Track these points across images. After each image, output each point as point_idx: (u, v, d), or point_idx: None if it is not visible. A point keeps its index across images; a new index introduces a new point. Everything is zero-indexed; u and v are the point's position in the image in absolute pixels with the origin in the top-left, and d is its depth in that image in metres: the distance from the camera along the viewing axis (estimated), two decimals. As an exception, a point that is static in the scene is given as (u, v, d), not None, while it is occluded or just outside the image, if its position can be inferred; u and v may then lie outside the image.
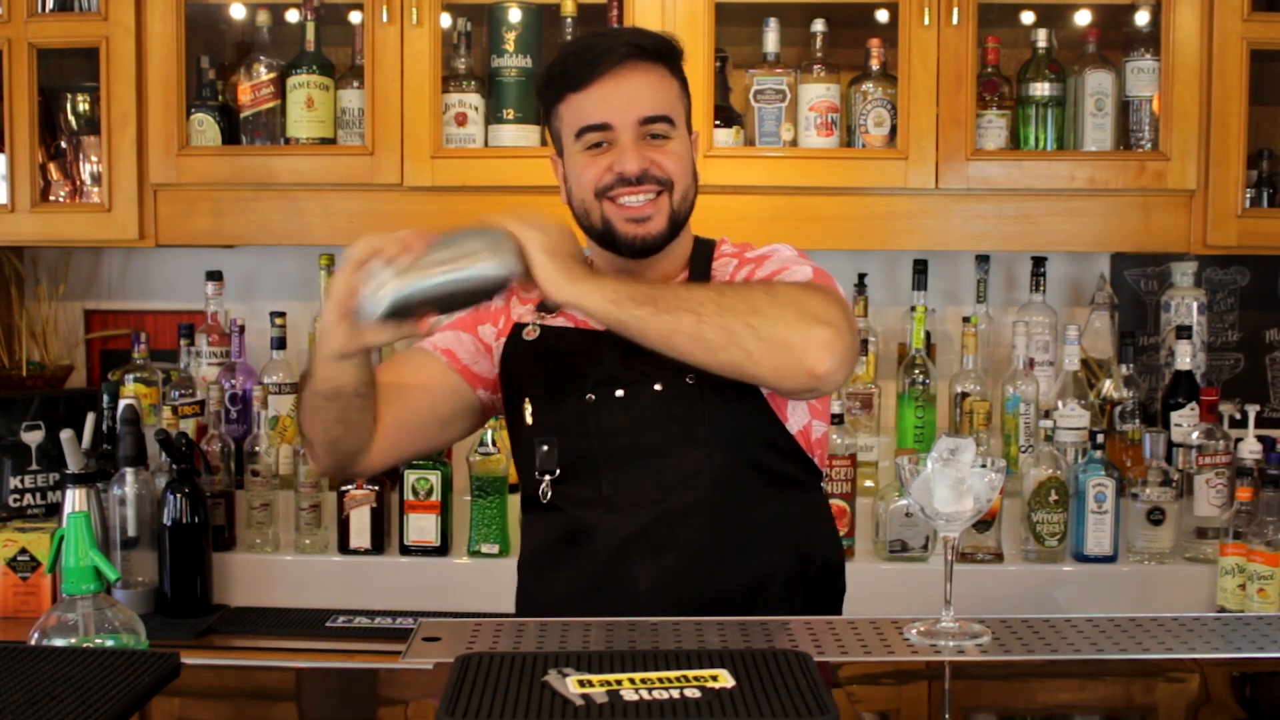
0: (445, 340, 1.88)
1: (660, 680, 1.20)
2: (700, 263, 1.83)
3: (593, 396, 1.75)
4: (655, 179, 1.72)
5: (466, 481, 2.62)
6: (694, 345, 1.57)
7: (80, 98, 2.77)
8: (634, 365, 1.73)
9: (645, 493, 1.72)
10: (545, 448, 1.76)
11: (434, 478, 2.59)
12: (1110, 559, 2.55)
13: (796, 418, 1.78)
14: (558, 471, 1.76)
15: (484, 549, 2.59)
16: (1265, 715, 1.35)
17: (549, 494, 1.77)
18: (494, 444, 2.59)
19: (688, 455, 1.73)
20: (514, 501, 2.56)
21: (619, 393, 1.74)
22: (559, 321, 1.83)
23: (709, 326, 1.56)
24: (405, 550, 2.61)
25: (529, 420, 1.80)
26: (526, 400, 1.80)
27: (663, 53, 1.76)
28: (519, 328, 1.85)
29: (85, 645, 1.39)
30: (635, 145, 1.72)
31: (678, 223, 1.76)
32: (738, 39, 2.75)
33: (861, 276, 2.82)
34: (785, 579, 1.75)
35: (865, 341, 2.73)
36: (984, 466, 1.45)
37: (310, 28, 2.65)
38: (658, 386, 1.73)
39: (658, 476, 1.72)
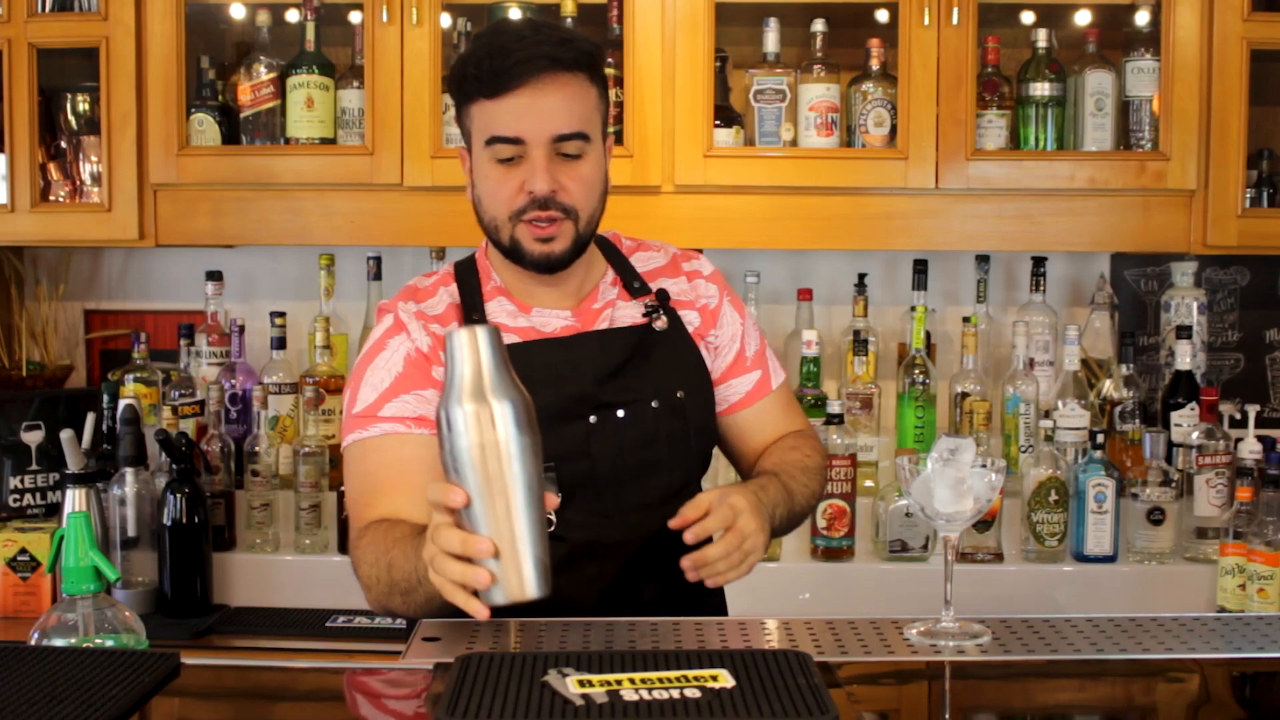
0: (409, 407, 1.71)
1: (660, 680, 1.20)
2: (618, 262, 1.86)
3: (594, 419, 1.74)
4: (561, 205, 1.70)
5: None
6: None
7: (80, 98, 2.77)
8: (622, 385, 1.75)
9: (643, 510, 1.73)
10: (547, 475, 1.73)
11: (434, 478, 2.59)
12: (1110, 559, 2.55)
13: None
14: (559, 495, 1.71)
15: (484, 549, 2.59)
16: (1265, 715, 1.35)
17: (552, 521, 1.71)
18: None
19: (678, 467, 1.78)
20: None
21: (620, 413, 1.74)
22: (511, 339, 1.75)
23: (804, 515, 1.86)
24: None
25: None
26: None
27: (582, 62, 1.70)
28: None
29: (85, 645, 1.39)
30: (547, 164, 1.68)
31: (581, 245, 1.75)
32: (738, 39, 2.75)
33: (861, 276, 2.82)
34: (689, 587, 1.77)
35: (865, 341, 2.73)
36: (984, 466, 1.45)
37: (310, 28, 2.65)
38: (655, 404, 1.76)
39: (653, 492, 1.74)
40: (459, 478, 1.32)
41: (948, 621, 1.47)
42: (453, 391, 1.33)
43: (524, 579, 1.32)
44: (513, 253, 1.74)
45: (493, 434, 1.31)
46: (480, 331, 1.33)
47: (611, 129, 1.83)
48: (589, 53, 1.72)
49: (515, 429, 1.32)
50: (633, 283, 1.83)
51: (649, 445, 1.75)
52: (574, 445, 1.72)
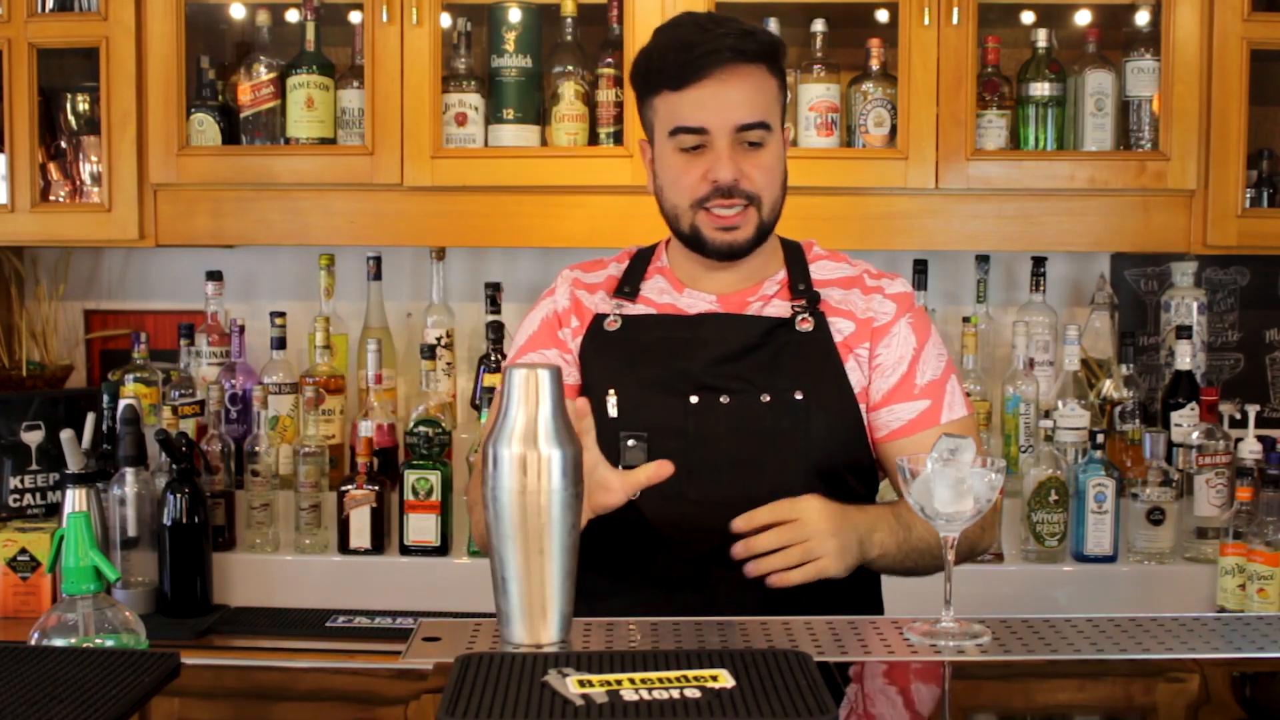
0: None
1: (660, 680, 1.20)
2: (797, 265, 1.85)
3: (696, 399, 1.73)
4: (745, 193, 1.73)
5: (466, 482, 2.62)
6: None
7: (80, 98, 2.77)
8: (735, 372, 1.74)
9: (734, 504, 1.66)
10: (632, 443, 1.73)
11: (434, 478, 2.59)
12: (1110, 559, 2.55)
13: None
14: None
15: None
16: (1265, 715, 1.35)
17: (637, 492, 1.74)
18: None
19: (784, 470, 1.72)
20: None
21: (724, 399, 1.74)
22: (639, 309, 1.83)
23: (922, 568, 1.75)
24: (405, 550, 2.61)
25: (612, 413, 1.76)
26: (612, 391, 1.77)
27: (765, 54, 1.74)
28: (600, 318, 1.83)
29: (85, 645, 1.39)
30: (730, 153, 1.72)
31: (764, 232, 1.78)
32: (738, 39, 2.75)
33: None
34: (844, 597, 1.73)
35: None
36: (984, 466, 1.45)
37: (310, 28, 2.65)
38: (766, 398, 1.74)
39: (749, 489, 1.68)
40: (495, 516, 1.34)
41: (947, 621, 1.47)
42: (504, 430, 1.34)
43: (546, 625, 1.36)
44: (693, 241, 1.77)
45: (537, 482, 1.33)
46: (542, 374, 1.34)
47: (786, 124, 1.84)
48: (771, 44, 1.76)
49: (560, 479, 1.33)
50: (799, 284, 1.82)
51: (751, 438, 1.72)
52: (671, 420, 1.73)
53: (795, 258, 1.87)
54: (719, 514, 1.65)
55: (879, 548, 1.66)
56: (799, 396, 1.73)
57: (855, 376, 1.79)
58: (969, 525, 1.49)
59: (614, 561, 1.72)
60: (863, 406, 1.80)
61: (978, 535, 1.77)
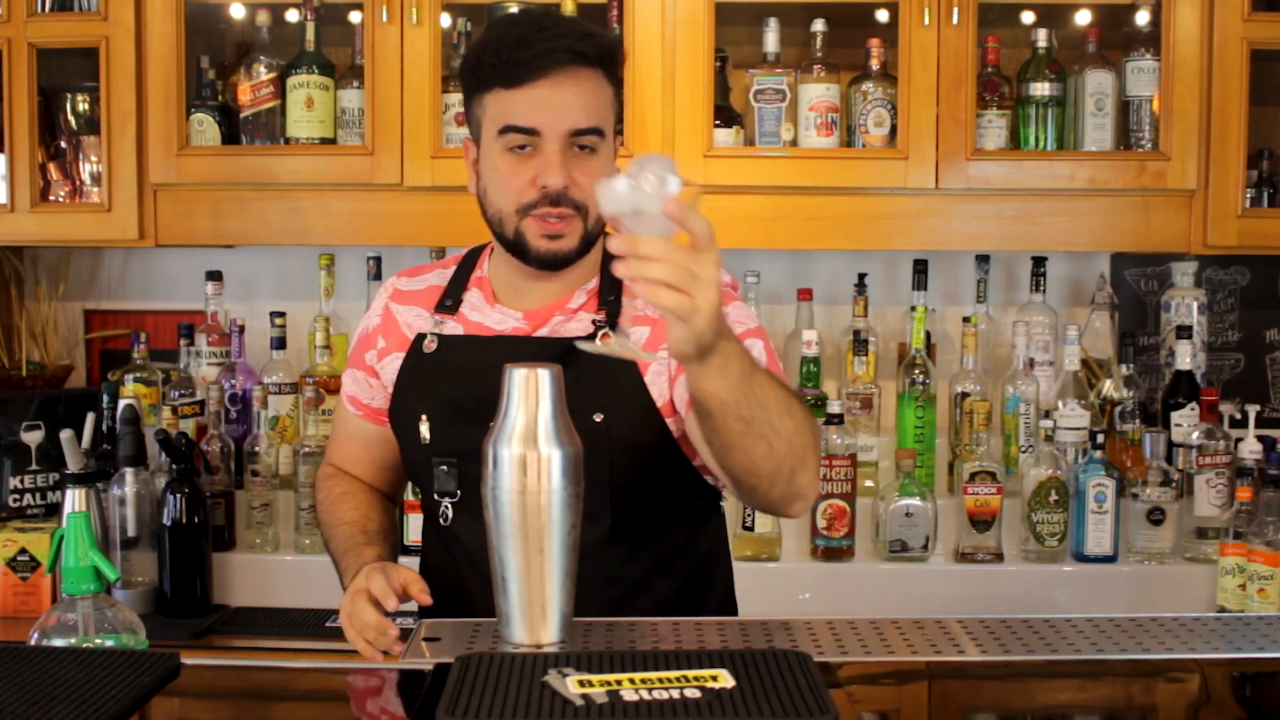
0: (348, 385, 1.90)
1: (660, 680, 1.20)
2: (608, 270, 1.66)
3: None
4: (573, 201, 1.66)
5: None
6: (743, 460, 1.47)
7: (80, 98, 2.77)
8: None
9: None
10: (444, 468, 1.72)
11: (434, 478, 2.59)
12: (1110, 559, 2.55)
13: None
14: (458, 494, 1.73)
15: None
16: (1265, 715, 1.35)
17: (450, 517, 1.74)
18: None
19: (590, 494, 1.58)
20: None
21: None
22: (456, 329, 1.78)
23: (768, 460, 1.47)
24: (405, 550, 2.61)
25: (426, 438, 1.75)
26: (423, 417, 1.74)
27: (604, 58, 1.68)
28: (420, 339, 1.79)
29: (85, 645, 1.39)
30: (561, 158, 1.65)
31: (589, 243, 1.71)
32: (738, 39, 2.75)
33: (861, 276, 2.82)
34: (684, 611, 1.72)
35: (865, 342, 2.73)
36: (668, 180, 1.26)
37: (310, 28, 2.64)
38: None
39: None
40: (495, 516, 1.34)
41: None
42: (504, 430, 1.33)
43: (546, 625, 1.36)
44: (516, 247, 1.70)
45: (537, 482, 1.32)
46: (541, 374, 1.33)
47: (618, 132, 1.79)
48: (610, 49, 1.70)
49: (560, 479, 1.33)
50: (608, 295, 1.74)
51: None
52: (476, 447, 1.55)
53: (610, 261, 1.71)
54: None
55: (736, 359, 1.39)
56: (598, 419, 1.67)
57: (660, 384, 1.70)
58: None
59: (444, 579, 1.75)
60: (673, 418, 1.70)
61: (796, 423, 1.49)
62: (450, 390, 1.74)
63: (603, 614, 1.59)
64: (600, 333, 1.71)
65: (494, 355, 1.66)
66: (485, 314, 1.78)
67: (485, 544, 1.59)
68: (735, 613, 1.87)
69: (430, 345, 1.78)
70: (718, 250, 1.29)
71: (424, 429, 1.75)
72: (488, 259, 1.84)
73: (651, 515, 1.73)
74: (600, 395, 1.68)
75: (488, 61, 1.66)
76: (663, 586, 1.75)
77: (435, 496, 1.75)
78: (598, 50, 1.67)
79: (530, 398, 1.33)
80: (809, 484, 1.54)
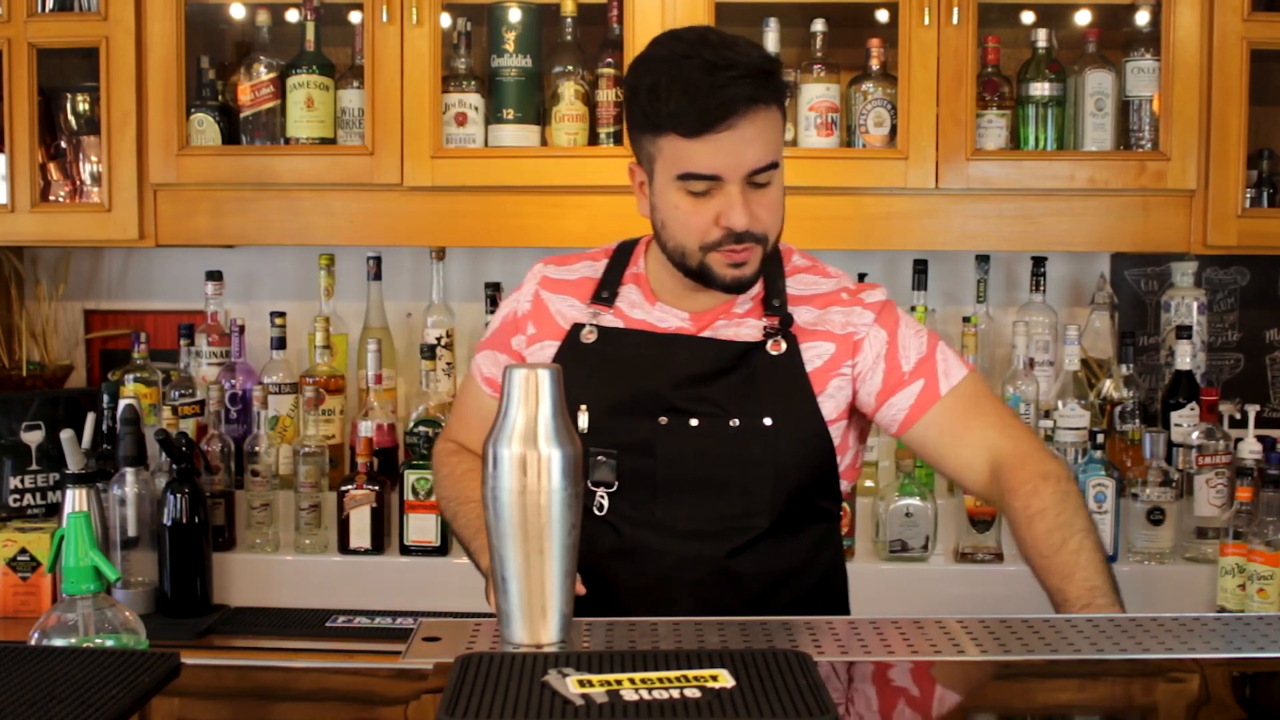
0: (485, 366, 1.90)
1: (660, 680, 1.20)
2: (773, 280, 1.80)
3: (665, 420, 1.73)
4: (754, 236, 1.69)
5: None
6: None
7: (80, 98, 2.77)
8: (705, 395, 1.73)
9: (702, 523, 1.71)
10: (602, 459, 1.74)
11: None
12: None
13: (847, 457, 1.82)
14: (615, 485, 1.75)
15: (484, 549, 2.59)
16: (1265, 715, 1.35)
17: (605, 506, 1.75)
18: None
19: (752, 493, 1.72)
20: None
21: (693, 422, 1.73)
22: (615, 322, 1.81)
23: None
24: (405, 550, 2.61)
25: (583, 428, 1.76)
26: (582, 408, 1.76)
27: (780, 96, 1.70)
28: (577, 329, 1.81)
29: (85, 645, 1.39)
30: (743, 200, 1.66)
31: (767, 262, 1.76)
32: (738, 39, 2.75)
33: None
34: (811, 610, 1.76)
35: (865, 341, 2.73)
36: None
37: (310, 28, 2.65)
38: (735, 422, 1.73)
39: (717, 510, 1.72)
40: (495, 516, 1.34)
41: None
42: (504, 430, 1.33)
43: (546, 625, 1.36)
44: (701, 276, 1.73)
45: (537, 482, 1.32)
46: (542, 374, 1.33)
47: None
48: (782, 83, 1.70)
49: (560, 479, 1.33)
50: (773, 300, 1.78)
51: (718, 462, 1.72)
52: (639, 440, 1.72)
53: (773, 270, 1.81)
54: (680, 532, 1.70)
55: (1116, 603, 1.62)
56: (768, 422, 1.73)
57: (839, 399, 1.78)
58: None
59: (590, 566, 1.73)
60: (839, 427, 1.79)
61: (1087, 515, 1.70)
62: (614, 382, 1.76)
63: (745, 607, 1.63)
64: (771, 340, 1.76)
65: (665, 352, 1.75)
66: (647, 311, 1.81)
67: (638, 539, 1.70)
68: (848, 612, 1.89)
69: (589, 336, 1.80)
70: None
71: (582, 419, 1.76)
72: (643, 257, 1.85)
73: (800, 517, 1.78)
74: (770, 400, 1.73)
75: (664, 111, 1.64)
76: (795, 584, 1.78)
77: (590, 485, 1.76)
78: (775, 91, 1.68)
79: (530, 398, 1.34)
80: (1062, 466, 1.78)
